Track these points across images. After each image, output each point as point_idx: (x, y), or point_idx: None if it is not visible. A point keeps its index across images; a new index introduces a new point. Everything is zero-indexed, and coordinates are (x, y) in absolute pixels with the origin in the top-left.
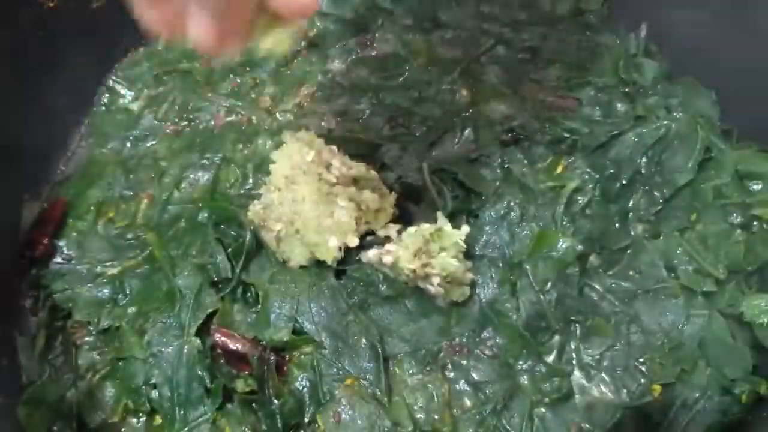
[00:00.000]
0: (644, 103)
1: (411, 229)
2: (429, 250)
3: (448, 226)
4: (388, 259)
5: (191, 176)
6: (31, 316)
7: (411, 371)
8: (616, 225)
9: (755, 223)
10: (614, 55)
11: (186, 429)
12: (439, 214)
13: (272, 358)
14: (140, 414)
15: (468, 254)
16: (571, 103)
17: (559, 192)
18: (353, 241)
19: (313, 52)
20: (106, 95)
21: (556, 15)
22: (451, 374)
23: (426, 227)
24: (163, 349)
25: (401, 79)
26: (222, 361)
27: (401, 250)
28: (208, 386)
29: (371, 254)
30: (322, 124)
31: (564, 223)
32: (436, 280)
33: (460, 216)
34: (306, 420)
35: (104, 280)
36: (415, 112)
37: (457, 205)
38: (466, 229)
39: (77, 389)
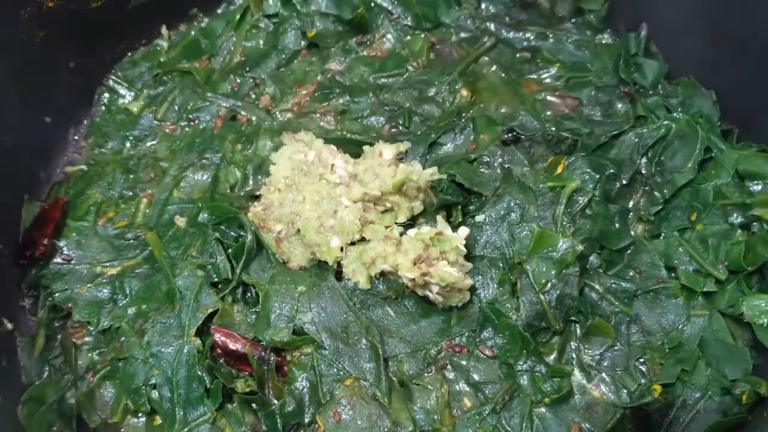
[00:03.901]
0: (644, 103)
1: (411, 233)
2: (429, 257)
3: (448, 230)
4: (386, 268)
5: (191, 176)
6: (30, 316)
7: (411, 372)
8: (616, 225)
9: (755, 223)
10: (614, 55)
11: (186, 429)
12: (440, 218)
13: (272, 358)
14: (140, 414)
15: (468, 255)
16: (571, 103)
17: (559, 192)
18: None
19: (313, 52)
20: (106, 95)
21: (556, 15)
22: (451, 374)
23: (426, 231)
24: (163, 350)
25: (401, 79)
26: (222, 361)
27: (400, 258)
28: (208, 386)
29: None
30: (322, 124)
31: (564, 223)
32: (435, 288)
33: (459, 217)
34: (306, 420)
35: (104, 281)
36: (415, 112)
37: (456, 205)
38: (465, 231)
39: (77, 389)
